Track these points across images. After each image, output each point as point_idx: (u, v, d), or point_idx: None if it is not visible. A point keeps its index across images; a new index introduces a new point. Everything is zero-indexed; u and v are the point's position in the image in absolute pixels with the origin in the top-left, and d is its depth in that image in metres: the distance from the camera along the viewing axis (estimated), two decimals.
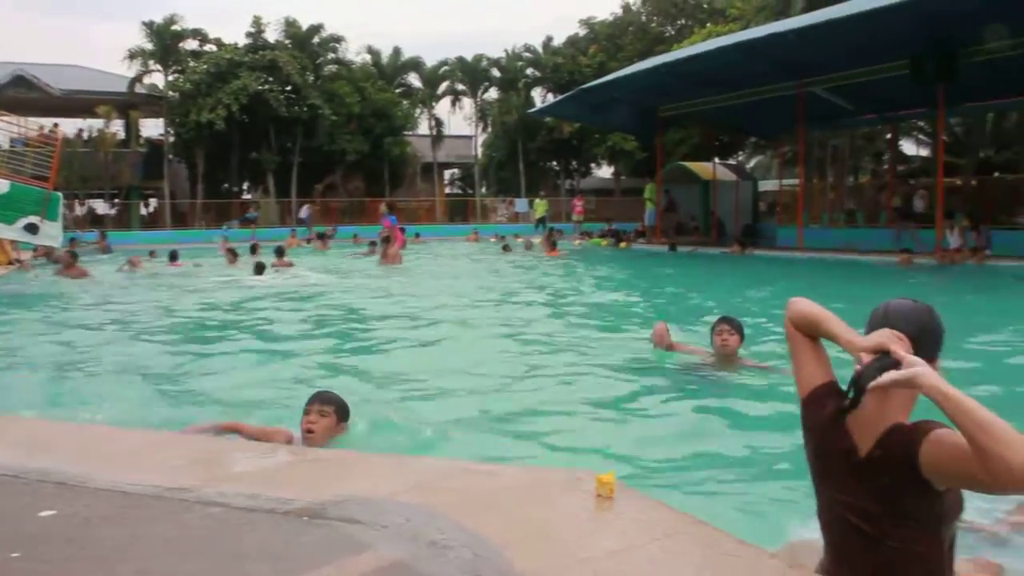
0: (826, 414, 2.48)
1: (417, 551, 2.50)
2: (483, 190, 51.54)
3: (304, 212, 38.61)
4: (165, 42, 40.88)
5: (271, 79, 40.55)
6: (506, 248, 26.38)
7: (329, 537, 2.62)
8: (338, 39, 45.09)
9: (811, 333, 2.61)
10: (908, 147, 37.91)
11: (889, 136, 31.18)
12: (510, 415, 5.78)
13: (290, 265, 18.91)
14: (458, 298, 13.60)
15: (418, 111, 49.63)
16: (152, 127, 44.98)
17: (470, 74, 48.86)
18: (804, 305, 2.64)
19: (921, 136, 35.91)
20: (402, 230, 24.40)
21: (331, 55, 45.33)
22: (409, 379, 7.09)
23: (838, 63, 21.78)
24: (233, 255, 20.46)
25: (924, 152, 36.55)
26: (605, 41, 45.90)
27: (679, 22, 44.74)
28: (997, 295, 14.12)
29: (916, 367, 2.18)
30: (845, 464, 2.42)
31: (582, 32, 48.44)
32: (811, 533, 3.01)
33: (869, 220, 27.97)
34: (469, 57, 48.73)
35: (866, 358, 2.32)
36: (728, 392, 6.33)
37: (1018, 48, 18.53)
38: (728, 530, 2.72)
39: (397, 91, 48.21)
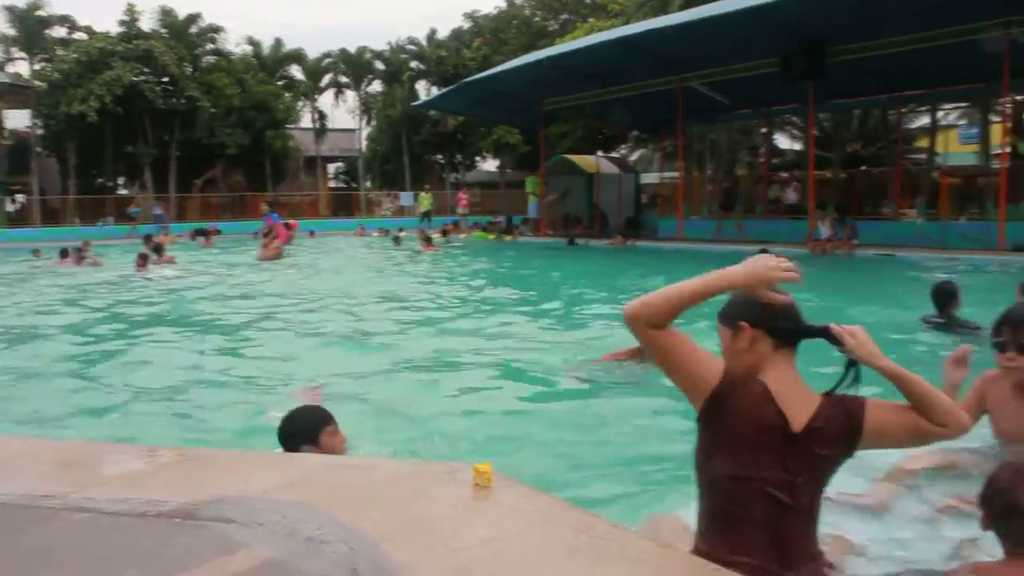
0: (754, 394, 2.57)
1: (293, 548, 2.49)
2: (367, 184, 51.07)
3: (158, 209, 37.23)
4: (30, 28, 39.06)
5: (147, 70, 39.22)
6: (397, 240, 26.22)
7: (202, 538, 2.58)
8: (217, 29, 44.02)
9: (687, 307, 2.57)
10: (782, 141, 39.28)
11: (764, 131, 32.20)
12: (388, 409, 5.76)
13: (172, 261, 18.44)
14: (337, 293, 13.48)
15: (300, 104, 48.88)
16: (18, 119, 42.95)
17: (353, 67, 48.33)
18: (660, 294, 2.58)
19: (794, 131, 37.19)
20: (286, 225, 24.05)
21: (210, 46, 44.20)
22: (286, 375, 7.00)
23: (715, 59, 22.37)
24: (79, 255, 19.60)
25: (797, 146, 37.87)
26: (489, 35, 46.04)
27: (562, 17, 45.18)
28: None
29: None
30: (776, 439, 2.54)
31: (466, 25, 48.49)
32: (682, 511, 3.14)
33: (746, 211, 28.83)
34: (352, 49, 48.20)
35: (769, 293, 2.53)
36: (620, 380, 6.44)
37: (880, 49, 19.47)
38: (606, 516, 2.79)
39: (279, 83, 47.35)
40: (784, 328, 2.58)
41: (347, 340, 8.98)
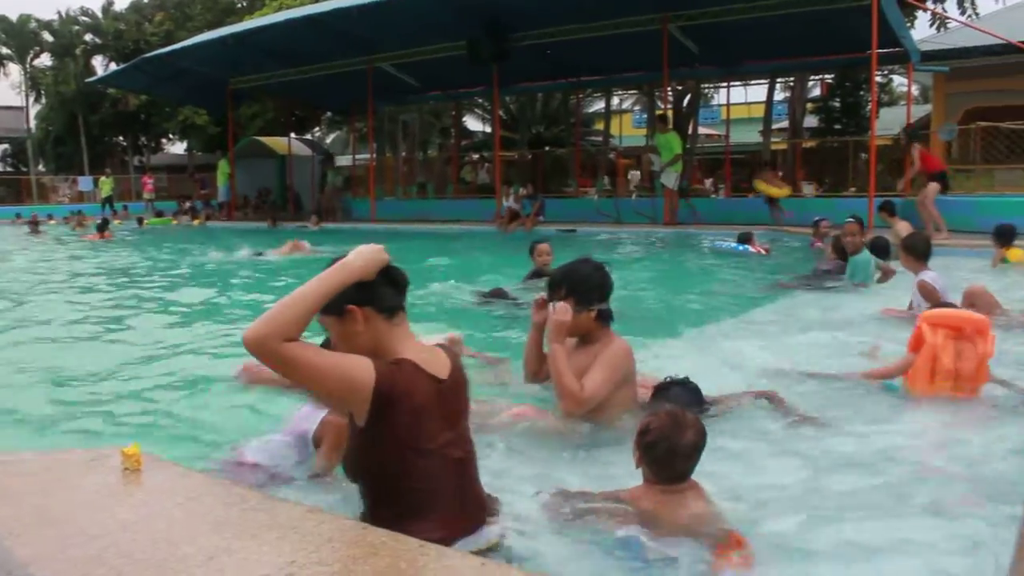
0: (407, 372, 2.55)
1: None
2: (40, 167, 47.00)
3: None
4: None
5: None
6: (102, 229, 24.24)
7: None
8: None
9: (317, 310, 2.51)
10: (472, 123, 40.56)
11: (454, 113, 33.03)
12: (36, 400, 5.36)
13: None
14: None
15: None
16: None
17: (16, 37, 44.27)
18: (286, 305, 2.45)
19: (484, 114, 38.47)
20: None
21: None
22: None
23: (404, 41, 22.62)
24: None
25: (487, 128, 39.21)
26: (173, 9, 43.68)
27: None
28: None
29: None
30: (438, 403, 2.59)
31: None
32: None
33: (438, 191, 29.52)
34: (13, 17, 44.03)
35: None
36: None
37: (558, 36, 20.64)
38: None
39: None
40: (383, 294, 2.61)
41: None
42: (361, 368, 2.49)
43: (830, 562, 2.88)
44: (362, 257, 2.55)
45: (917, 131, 16.61)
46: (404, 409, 2.51)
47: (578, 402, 3.96)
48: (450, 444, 2.61)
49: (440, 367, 2.65)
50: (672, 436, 2.94)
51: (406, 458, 2.55)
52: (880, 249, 10.26)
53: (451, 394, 2.65)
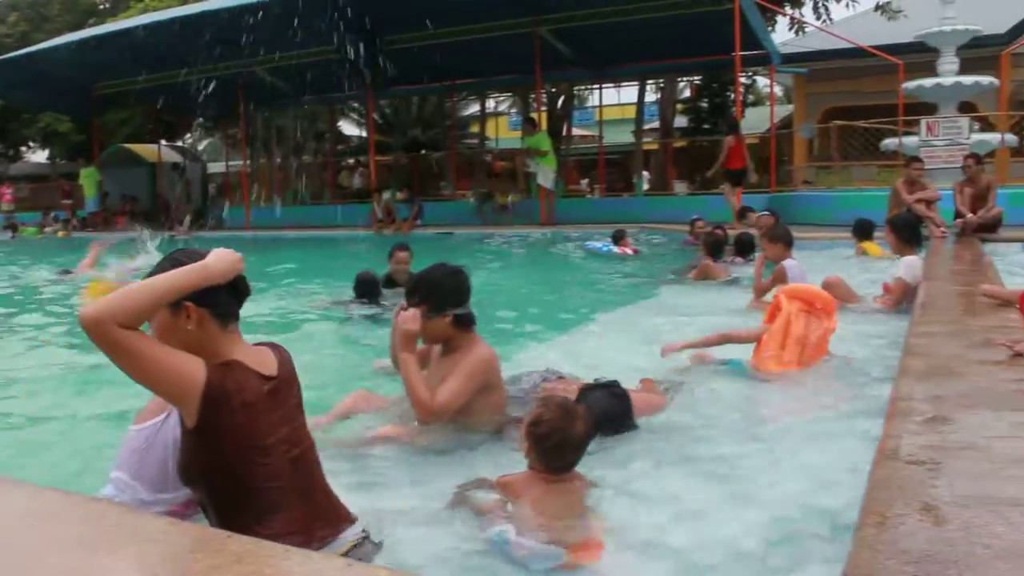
0: (236, 373, 2.54)
1: None
2: None
3: None
4: None
5: None
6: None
7: None
8: None
9: (163, 304, 2.50)
10: (348, 128, 40.14)
11: (329, 118, 32.65)
12: None
13: None
14: None
15: None
16: None
17: None
18: (133, 291, 2.46)
19: (359, 118, 38.13)
20: None
21: None
22: None
23: (276, 45, 22.17)
24: None
25: (362, 132, 38.87)
26: (29, 9, 41.68)
27: None
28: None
29: None
30: (270, 399, 2.58)
31: None
32: None
33: (315, 197, 29.16)
34: None
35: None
36: None
37: (430, 39, 20.70)
38: None
39: None
40: (223, 301, 2.60)
41: None
42: (193, 366, 2.48)
43: (683, 548, 2.95)
44: (223, 262, 2.55)
45: (737, 124, 17.19)
46: (235, 408, 2.50)
47: (429, 412, 3.95)
48: (289, 440, 2.62)
49: (268, 365, 2.65)
50: (564, 428, 2.99)
51: (245, 456, 2.54)
52: (744, 245, 10.72)
53: (284, 389, 2.66)
